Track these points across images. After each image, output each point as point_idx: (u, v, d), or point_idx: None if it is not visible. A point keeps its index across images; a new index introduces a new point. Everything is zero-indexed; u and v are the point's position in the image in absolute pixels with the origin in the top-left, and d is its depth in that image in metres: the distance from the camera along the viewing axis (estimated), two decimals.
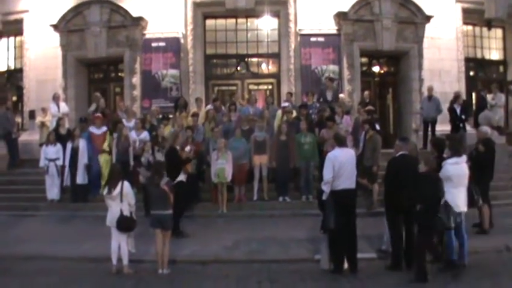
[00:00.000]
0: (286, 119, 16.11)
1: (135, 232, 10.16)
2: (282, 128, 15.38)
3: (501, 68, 24.16)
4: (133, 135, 15.85)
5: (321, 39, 20.09)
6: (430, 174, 9.13)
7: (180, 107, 17.73)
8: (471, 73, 22.96)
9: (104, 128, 16.31)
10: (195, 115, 16.67)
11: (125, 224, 9.85)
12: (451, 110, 18.34)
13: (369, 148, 14.21)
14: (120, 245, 9.93)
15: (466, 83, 21.78)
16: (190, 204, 14.19)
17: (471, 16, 22.14)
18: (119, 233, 9.91)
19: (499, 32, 23.92)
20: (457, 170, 9.48)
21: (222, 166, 14.53)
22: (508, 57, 23.92)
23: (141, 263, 10.30)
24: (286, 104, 17.55)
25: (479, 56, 23.56)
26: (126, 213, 9.89)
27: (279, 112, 17.05)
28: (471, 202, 9.91)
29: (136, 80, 20.11)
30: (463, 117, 18.03)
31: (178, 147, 13.15)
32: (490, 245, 11.15)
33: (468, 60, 22.47)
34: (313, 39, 20.09)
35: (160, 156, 14.09)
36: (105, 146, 15.96)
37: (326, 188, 9.43)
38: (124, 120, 16.75)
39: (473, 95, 22.28)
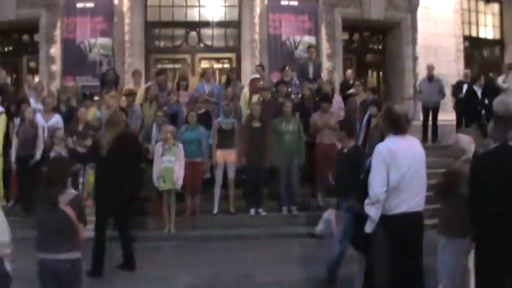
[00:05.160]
0: (261, 98, 11.80)
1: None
2: (255, 110, 11.06)
3: (497, 50, 20.63)
4: (39, 120, 11.36)
5: (293, 3, 16.36)
6: None
7: (108, 82, 13.27)
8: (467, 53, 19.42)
9: None
10: (131, 94, 12.19)
11: None
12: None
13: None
14: None
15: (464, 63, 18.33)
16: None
17: None
18: None
19: (495, 7, 20.53)
20: None
21: (170, 165, 10.23)
22: (506, 37, 20.39)
23: None
24: (256, 76, 13.27)
25: (474, 34, 20.05)
26: None
27: (246, 90, 12.78)
28: None
29: (55, 50, 15.70)
30: (486, 101, 14.04)
31: None
32: None
33: (464, 38, 18.98)
34: (284, 3, 16.29)
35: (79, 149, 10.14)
36: None
37: (374, 212, 5.02)
38: (32, 100, 12.27)
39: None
